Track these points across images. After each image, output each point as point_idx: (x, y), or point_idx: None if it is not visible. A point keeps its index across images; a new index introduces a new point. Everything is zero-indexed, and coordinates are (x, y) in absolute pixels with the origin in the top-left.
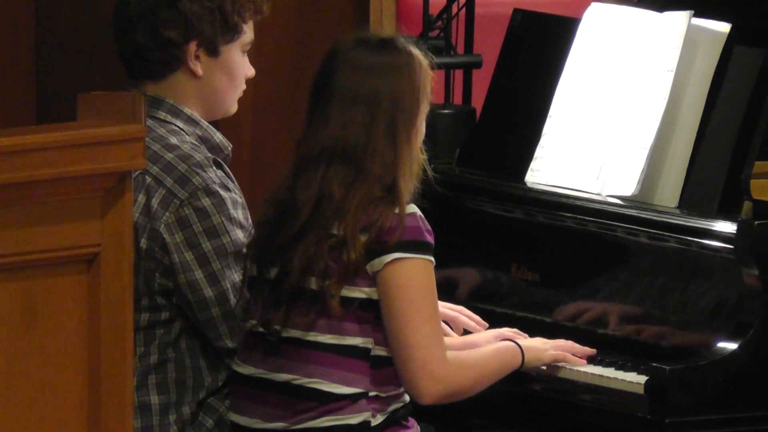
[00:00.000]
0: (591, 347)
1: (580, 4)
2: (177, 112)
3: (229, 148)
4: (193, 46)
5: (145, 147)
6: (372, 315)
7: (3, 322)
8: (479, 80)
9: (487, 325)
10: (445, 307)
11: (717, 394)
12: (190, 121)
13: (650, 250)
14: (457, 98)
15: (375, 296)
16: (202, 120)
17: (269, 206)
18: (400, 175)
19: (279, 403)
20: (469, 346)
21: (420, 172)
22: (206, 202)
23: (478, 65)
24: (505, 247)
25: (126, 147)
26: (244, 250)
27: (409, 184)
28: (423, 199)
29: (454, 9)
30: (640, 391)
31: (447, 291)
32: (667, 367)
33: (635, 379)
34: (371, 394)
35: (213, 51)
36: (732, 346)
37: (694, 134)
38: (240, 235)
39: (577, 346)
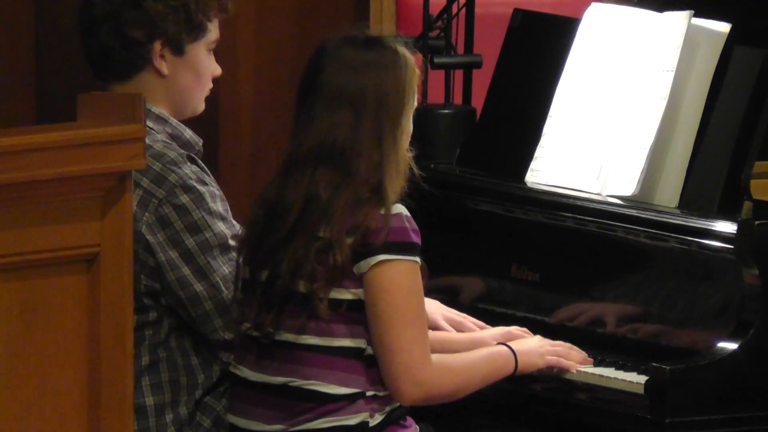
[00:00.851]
0: (591, 347)
1: (580, 4)
2: (145, 112)
3: (200, 144)
4: (158, 46)
5: None
6: (362, 316)
7: (3, 322)
8: (479, 80)
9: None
10: (452, 313)
11: (717, 394)
12: (159, 119)
13: (650, 250)
14: (457, 98)
15: (363, 297)
16: (171, 117)
17: (258, 206)
18: (386, 176)
19: (277, 405)
20: (474, 343)
21: (407, 171)
22: (185, 198)
23: (478, 65)
24: (505, 247)
25: (126, 147)
26: (232, 242)
27: (395, 184)
28: (409, 198)
29: (454, 9)
30: (640, 391)
31: (447, 291)
32: (667, 367)
33: (635, 379)
34: (368, 394)
35: (178, 50)
36: (732, 346)
37: (694, 134)
38: (222, 227)
39: (575, 349)
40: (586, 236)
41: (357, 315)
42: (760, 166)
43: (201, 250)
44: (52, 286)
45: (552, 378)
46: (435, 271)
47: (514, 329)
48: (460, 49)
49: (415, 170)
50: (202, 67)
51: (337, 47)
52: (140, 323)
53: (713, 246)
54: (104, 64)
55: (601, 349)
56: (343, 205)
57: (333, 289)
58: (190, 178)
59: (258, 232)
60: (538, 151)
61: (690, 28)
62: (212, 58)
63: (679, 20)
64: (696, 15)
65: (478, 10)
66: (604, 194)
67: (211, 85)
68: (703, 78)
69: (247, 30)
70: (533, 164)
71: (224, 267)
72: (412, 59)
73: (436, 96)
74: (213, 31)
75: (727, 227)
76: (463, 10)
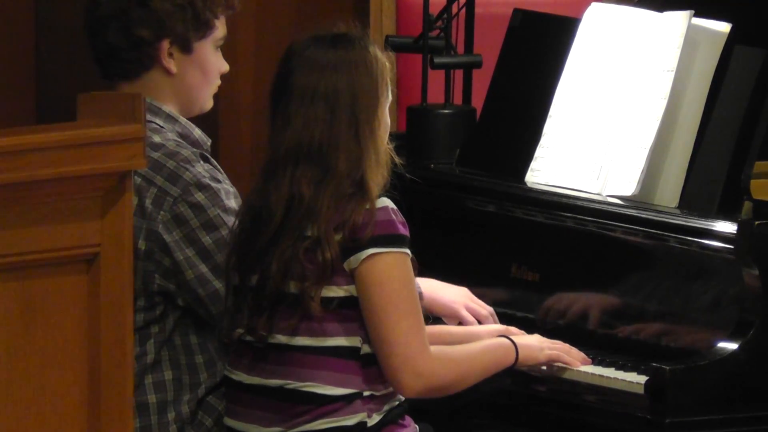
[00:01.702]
0: (591, 347)
1: (580, 4)
2: (156, 110)
3: (208, 143)
4: (165, 44)
5: None
6: (356, 313)
7: (3, 322)
8: (479, 80)
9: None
10: (477, 304)
11: (717, 394)
12: (169, 118)
13: (650, 250)
14: (457, 98)
15: (356, 293)
16: (181, 117)
17: (244, 213)
18: (367, 169)
19: (274, 407)
20: (472, 337)
21: (389, 163)
22: (200, 196)
23: (478, 65)
24: (505, 247)
25: (126, 147)
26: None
27: (377, 177)
28: (394, 190)
29: (454, 9)
30: (640, 391)
31: None
32: (667, 367)
33: (635, 379)
34: (366, 393)
35: (186, 48)
36: (732, 346)
37: (694, 134)
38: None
39: (573, 350)
40: (586, 236)
41: (350, 312)
42: (760, 166)
43: (218, 248)
44: (52, 286)
45: (552, 378)
46: (435, 271)
47: (512, 329)
48: (460, 49)
49: (397, 161)
50: (210, 64)
51: (304, 48)
52: (147, 320)
53: (713, 246)
54: (111, 64)
55: (601, 349)
56: (327, 202)
57: (324, 287)
58: (204, 177)
59: (245, 238)
60: (538, 151)
61: (690, 28)
62: (219, 55)
63: (679, 20)
64: (696, 15)
65: (478, 10)
66: (604, 194)
67: (219, 82)
68: (703, 78)
69: (247, 30)
70: (533, 164)
71: None
72: (380, 52)
73: (436, 96)
74: (220, 28)
75: (727, 227)
76: (463, 10)
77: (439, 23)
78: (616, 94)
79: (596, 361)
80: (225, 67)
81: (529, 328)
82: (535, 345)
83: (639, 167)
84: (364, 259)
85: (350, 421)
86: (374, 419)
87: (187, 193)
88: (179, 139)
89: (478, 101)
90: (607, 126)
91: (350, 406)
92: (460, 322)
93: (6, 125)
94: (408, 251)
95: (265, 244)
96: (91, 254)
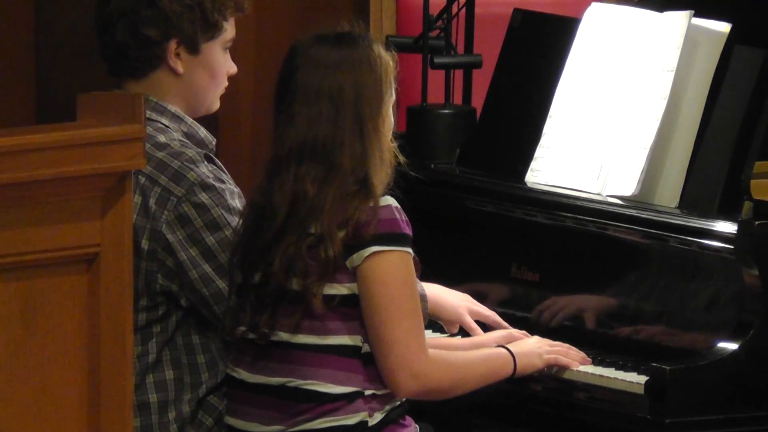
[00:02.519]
0: (591, 347)
1: (580, 4)
2: (162, 110)
3: (213, 143)
4: (173, 45)
5: None
6: (357, 311)
7: (3, 322)
8: (479, 80)
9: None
10: (480, 307)
11: (717, 394)
12: (175, 117)
13: (650, 250)
14: (457, 98)
15: (357, 291)
16: (186, 116)
17: (248, 211)
18: (371, 167)
19: (275, 406)
20: (475, 347)
21: (393, 161)
22: (204, 196)
23: (478, 65)
24: (505, 247)
25: (126, 147)
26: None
27: (381, 175)
28: (396, 188)
29: (454, 9)
30: (640, 391)
31: None
32: (667, 367)
33: (635, 379)
34: (367, 393)
35: (193, 49)
36: (732, 346)
37: (694, 134)
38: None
39: (573, 350)
40: (586, 236)
41: (352, 310)
42: (760, 166)
43: (221, 248)
44: (52, 286)
45: (552, 378)
46: (435, 271)
47: (515, 332)
48: (460, 49)
49: (401, 159)
50: (218, 65)
51: (308, 47)
52: (149, 320)
53: (713, 246)
54: (119, 62)
55: (601, 349)
56: (331, 199)
57: (326, 285)
58: (208, 177)
59: (248, 235)
60: (538, 151)
61: (690, 28)
62: (227, 56)
63: (679, 20)
64: (696, 15)
65: (478, 10)
66: (604, 194)
67: (226, 84)
68: (703, 78)
69: (247, 30)
70: (533, 164)
71: None
72: (384, 51)
73: (436, 96)
74: (229, 30)
75: (727, 227)
76: (463, 10)
77: (439, 23)
78: (616, 94)
79: (596, 361)
80: (233, 68)
81: (529, 328)
82: (534, 352)
83: (639, 167)
84: (367, 257)
85: (351, 420)
86: (375, 418)
87: (191, 193)
88: (184, 139)
89: (478, 101)
90: (607, 126)
91: (351, 405)
92: (461, 329)
93: (6, 125)
94: (410, 251)
95: (268, 242)
96: (91, 254)
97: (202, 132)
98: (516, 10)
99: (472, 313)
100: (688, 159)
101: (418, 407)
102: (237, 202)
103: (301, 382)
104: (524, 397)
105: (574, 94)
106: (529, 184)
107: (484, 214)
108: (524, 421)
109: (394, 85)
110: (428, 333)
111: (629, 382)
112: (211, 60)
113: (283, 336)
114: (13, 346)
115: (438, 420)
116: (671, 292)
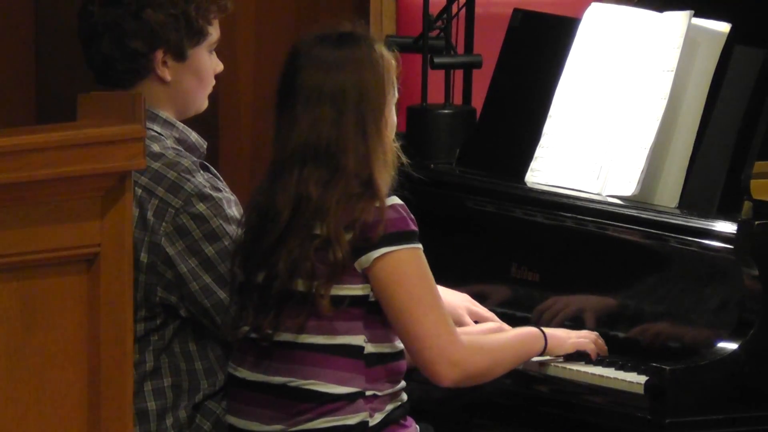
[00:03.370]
0: None
1: (580, 4)
2: (153, 117)
3: (204, 146)
4: (159, 54)
5: None
6: (362, 312)
7: (3, 322)
8: (479, 80)
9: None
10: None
11: (717, 394)
12: (167, 124)
13: (650, 250)
14: (457, 98)
15: (365, 292)
16: (178, 122)
17: (250, 212)
18: (375, 168)
19: (276, 405)
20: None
21: (396, 162)
22: (201, 207)
23: (478, 65)
24: (505, 247)
25: (126, 147)
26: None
27: (385, 175)
28: (402, 189)
29: (454, 9)
30: (640, 391)
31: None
32: (667, 367)
33: (635, 379)
34: (368, 393)
35: (180, 56)
36: (732, 346)
37: (694, 134)
38: (239, 232)
39: (600, 339)
40: (586, 236)
41: (358, 311)
42: (760, 166)
43: (220, 258)
44: (52, 286)
45: (552, 378)
46: (435, 271)
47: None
48: (460, 49)
49: (404, 159)
50: (205, 69)
51: (310, 47)
52: (147, 330)
53: (713, 246)
54: (106, 73)
55: None
56: (335, 202)
57: (334, 286)
58: (205, 187)
59: (251, 236)
60: (538, 151)
61: (690, 28)
62: (214, 57)
63: (679, 20)
64: (696, 15)
65: (478, 10)
66: (604, 194)
67: (213, 82)
68: (703, 78)
69: (247, 30)
70: (533, 164)
71: None
72: (387, 51)
73: (436, 96)
74: (214, 33)
75: (727, 227)
76: (463, 10)
77: (439, 23)
78: (616, 94)
79: (596, 361)
80: (219, 66)
81: None
82: (562, 336)
83: (639, 167)
84: (378, 258)
85: (352, 420)
86: (376, 419)
87: (189, 204)
88: (177, 147)
89: (478, 101)
90: (607, 126)
91: (352, 405)
92: None
93: (6, 125)
94: (419, 246)
95: (271, 243)
96: (91, 254)
97: (194, 136)
98: (516, 10)
99: (471, 314)
100: (688, 159)
101: (419, 407)
102: (234, 211)
103: (303, 381)
104: (524, 397)
105: (574, 94)
106: (529, 184)
107: (484, 214)
108: (524, 421)
109: (396, 85)
110: None
111: (629, 382)
112: (198, 64)
113: (288, 336)
114: (13, 346)
115: (438, 420)
116: (671, 291)
